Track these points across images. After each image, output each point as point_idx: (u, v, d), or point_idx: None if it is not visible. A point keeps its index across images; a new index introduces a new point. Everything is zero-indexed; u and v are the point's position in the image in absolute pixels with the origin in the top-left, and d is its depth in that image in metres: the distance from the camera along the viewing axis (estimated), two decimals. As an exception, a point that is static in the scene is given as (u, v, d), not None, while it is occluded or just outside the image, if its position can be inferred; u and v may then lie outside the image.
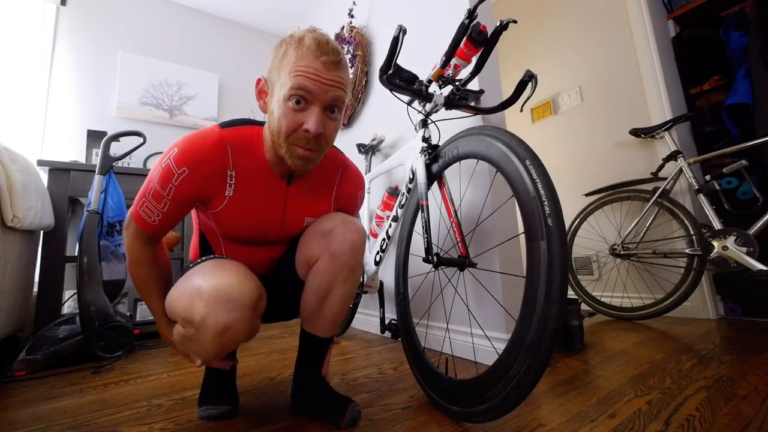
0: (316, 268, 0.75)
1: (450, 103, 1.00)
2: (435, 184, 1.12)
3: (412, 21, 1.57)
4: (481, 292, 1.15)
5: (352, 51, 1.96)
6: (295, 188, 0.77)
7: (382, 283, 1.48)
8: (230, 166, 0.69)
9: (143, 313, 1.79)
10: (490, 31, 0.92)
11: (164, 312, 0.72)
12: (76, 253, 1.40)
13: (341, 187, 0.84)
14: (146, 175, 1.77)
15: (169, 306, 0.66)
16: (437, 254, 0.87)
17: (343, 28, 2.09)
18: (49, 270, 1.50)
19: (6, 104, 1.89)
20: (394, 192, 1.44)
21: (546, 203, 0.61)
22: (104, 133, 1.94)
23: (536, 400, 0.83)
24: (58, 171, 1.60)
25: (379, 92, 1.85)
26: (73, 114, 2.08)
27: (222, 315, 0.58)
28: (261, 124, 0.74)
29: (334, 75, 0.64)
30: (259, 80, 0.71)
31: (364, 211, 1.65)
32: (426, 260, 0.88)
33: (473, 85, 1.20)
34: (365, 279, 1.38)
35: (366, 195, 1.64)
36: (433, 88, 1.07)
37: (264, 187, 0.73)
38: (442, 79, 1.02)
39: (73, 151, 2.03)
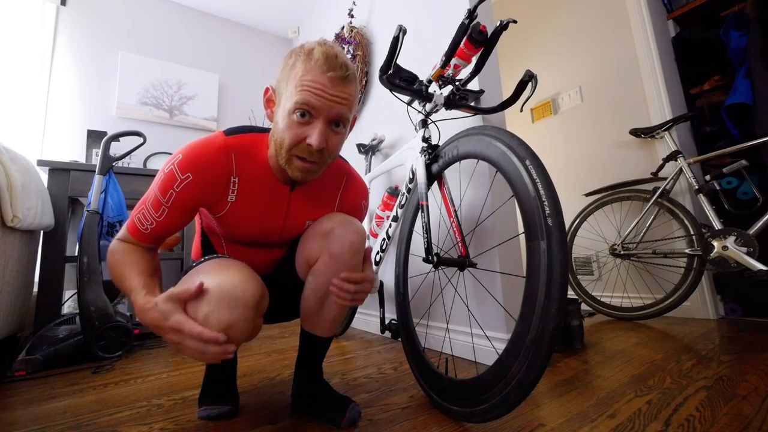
0: (315, 269, 0.75)
1: (450, 103, 1.00)
2: (435, 184, 1.12)
3: (412, 21, 1.57)
4: (481, 292, 1.15)
5: (352, 51, 1.96)
6: (297, 194, 0.77)
7: (382, 283, 1.48)
8: (234, 172, 0.70)
9: (143, 313, 1.78)
10: (490, 31, 0.92)
11: (144, 285, 0.62)
12: (76, 253, 1.40)
13: (345, 197, 0.84)
14: (146, 175, 1.79)
15: None
16: (437, 254, 0.87)
17: (343, 28, 2.09)
18: (49, 270, 1.50)
19: (6, 104, 1.89)
20: (394, 192, 1.44)
21: (546, 203, 0.61)
22: (104, 133, 1.93)
23: (536, 400, 0.83)
24: (58, 171, 1.60)
25: (379, 92, 1.85)
26: (73, 114, 2.08)
27: (225, 314, 0.57)
28: (265, 131, 0.75)
29: (339, 91, 0.64)
30: (267, 89, 0.71)
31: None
32: (426, 260, 0.88)
33: (473, 85, 1.20)
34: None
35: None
36: (433, 88, 1.07)
37: (266, 193, 0.73)
38: (442, 79, 1.02)
39: (73, 151, 2.03)
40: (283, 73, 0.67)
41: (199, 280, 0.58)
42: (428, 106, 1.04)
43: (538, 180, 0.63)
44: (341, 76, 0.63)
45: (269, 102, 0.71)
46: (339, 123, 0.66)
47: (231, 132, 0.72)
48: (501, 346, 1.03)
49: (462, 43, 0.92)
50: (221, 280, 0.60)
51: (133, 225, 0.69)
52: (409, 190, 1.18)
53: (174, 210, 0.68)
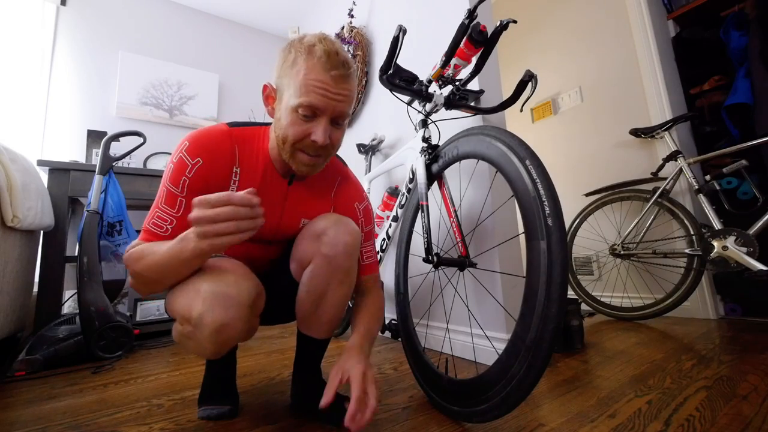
0: (309, 271, 0.74)
1: (450, 103, 1.00)
2: (435, 184, 1.12)
3: (412, 21, 1.57)
4: (481, 292, 1.15)
5: (352, 51, 1.96)
6: (295, 188, 0.78)
7: (382, 283, 1.48)
8: (236, 162, 0.71)
9: (143, 313, 1.79)
10: (490, 31, 0.92)
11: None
12: (76, 253, 1.40)
13: (339, 195, 0.85)
14: (146, 176, 1.79)
15: (168, 304, 0.66)
16: (437, 254, 0.87)
17: (343, 28, 2.09)
18: (49, 270, 1.50)
19: (6, 104, 1.89)
20: (394, 192, 1.44)
21: (546, 203, 0.61)
22: (104, 133, 1.93)
23: (536, 400, 0.83)
24: (58, 171, 1.60)
25: (379, 92, 1.85)
26: (73, 114, 2.08)
27: (219, 313, 0.57)
28: (265, 125, 0.77)
29: (342, 89, 0.65)
30: (265, 87, 0.72)
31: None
32: (426, 260, 0.88)
33: (473, 85, 1.20)
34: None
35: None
36: (433, 88, 1.07)
37: (265, 185, 0.74)
38: (442, 79, 1.02)
39: (73, 151, 2.03)
40: (284, 68, 0.67)
41: (199, 272, 0.59)
42: (428, 106, 1.04)
43: (538, 180, 0.63)
44: (344, 75, 0.65)
45: (269, 98, 0.72)
46: (340, 120, 0.68)
47: (234, 124, 0.74)
48: (501, 346, 1.03)
49: (462, 43, 0.92)
50: (216, 279, 0.60)
51: (149, 233, 0.65)
52: (409, 190, 1.18)
53: (192, 197, 0.65)
